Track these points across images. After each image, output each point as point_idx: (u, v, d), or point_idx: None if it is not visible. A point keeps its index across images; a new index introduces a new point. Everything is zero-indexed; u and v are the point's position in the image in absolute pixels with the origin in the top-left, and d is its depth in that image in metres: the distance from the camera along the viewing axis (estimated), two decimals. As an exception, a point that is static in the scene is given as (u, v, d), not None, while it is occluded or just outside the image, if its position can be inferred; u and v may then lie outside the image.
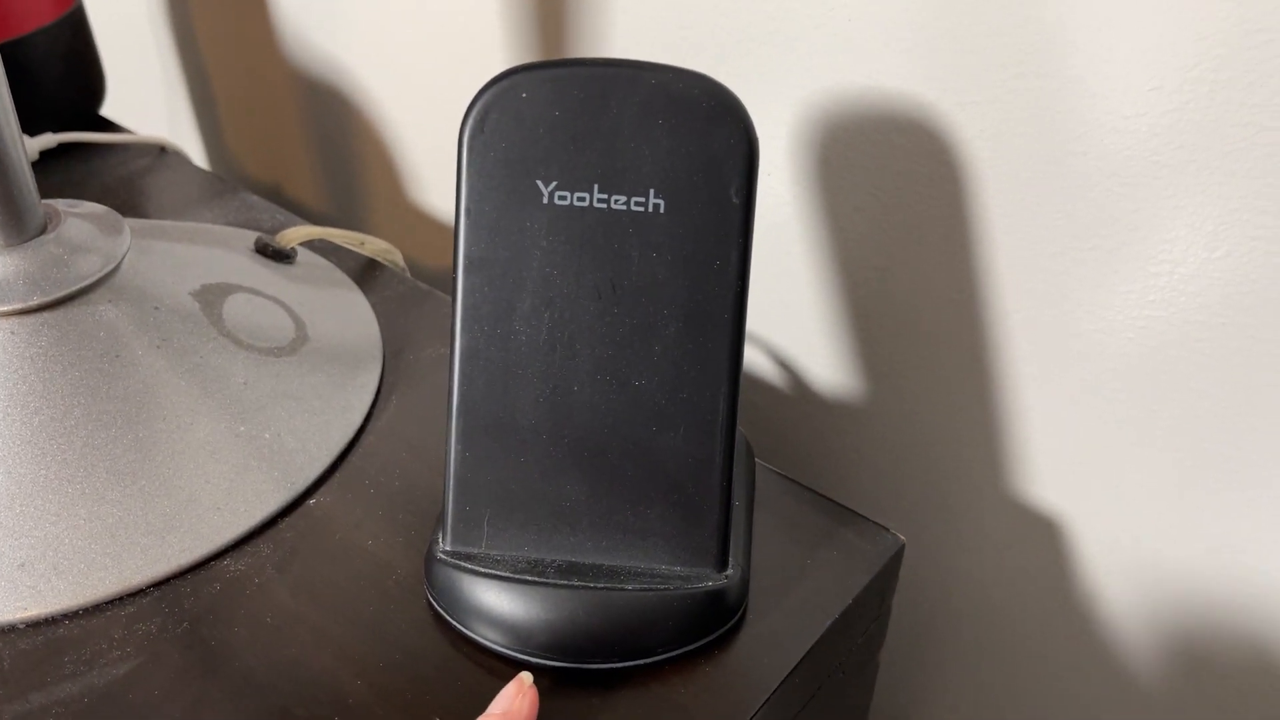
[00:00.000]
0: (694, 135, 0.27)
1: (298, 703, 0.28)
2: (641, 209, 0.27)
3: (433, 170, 0.54)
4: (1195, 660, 0.38)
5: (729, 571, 0.29)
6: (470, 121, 0.27)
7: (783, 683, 0.29)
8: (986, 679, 0.44)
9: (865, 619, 0.33)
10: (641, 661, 0.29)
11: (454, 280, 0.28)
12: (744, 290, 0.28)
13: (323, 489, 0.35)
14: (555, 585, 0.29)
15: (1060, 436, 0.37)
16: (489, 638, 0.29)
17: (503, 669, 0.29)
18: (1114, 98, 0.30)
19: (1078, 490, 0.38)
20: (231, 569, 0.32)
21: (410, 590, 0.31)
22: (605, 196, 0.27)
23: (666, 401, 0.29)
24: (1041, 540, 0.39)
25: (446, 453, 0.29)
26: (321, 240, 0.45)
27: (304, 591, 0.31)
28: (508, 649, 0.29)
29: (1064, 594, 0.40)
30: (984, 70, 0.32)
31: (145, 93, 0.70)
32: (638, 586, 0.29)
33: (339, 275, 0.44)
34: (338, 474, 0.35)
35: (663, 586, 0.29)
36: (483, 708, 0.27)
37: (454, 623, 0.30)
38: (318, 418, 0.36)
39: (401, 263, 0.46)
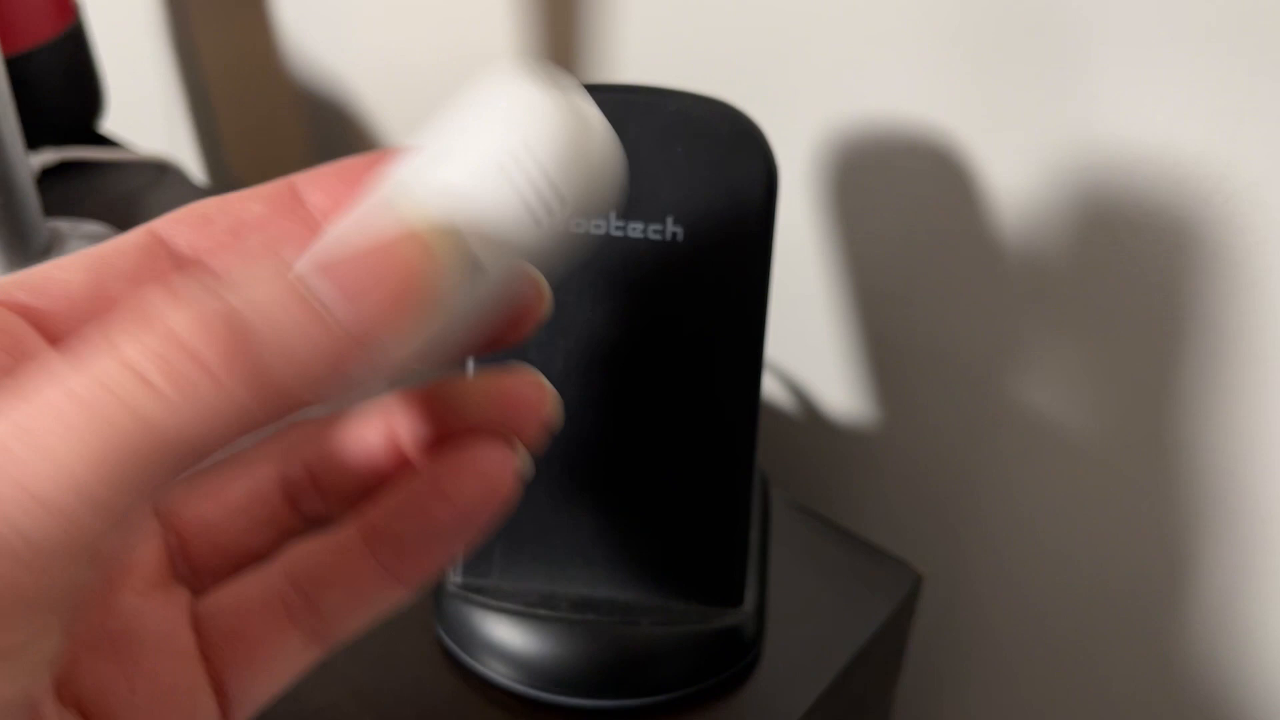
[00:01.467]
0: (714, 163, 0.26)
1: (300, 737, 0.28)
2: (659, 237, 0.27)
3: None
4: (1216, 698, 0.37)
5: (744, 607, 0.29)
6: None
7: (798, 723, 0.28)
8: (1003, 714, 0.44)
9: (882, 654, 0.32)
10: (655, 699, 0.28)
11: None
12: (763, 321, 0.27)
13: (327, 517, 0.34)
14: (568, 620, 0.28)
15: (1079, 466, 0.36)
16: (500, 673, 0.28)
17: (515, 705, 0.28)
18: (1140, 125, 0.30)
19: (1095, 525, 0.37)
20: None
21: (417, 622, 0.30)
22: (622, 224, 0.27)
23: (683, 433, 0.28)
24: (1061, 574, 0.38)
25: None
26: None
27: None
28: (520, 685, 0.28)
29: (1083, 629, 0.39)
30: (1006, 94, 0.32)
31: (146, 108, 0.70)
32: (652, 622, 0.28)
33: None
34: (342, 502, 0.34)
35: (678, 622, 0.28)
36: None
37: (464, 657, 0.29)
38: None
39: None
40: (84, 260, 0.16)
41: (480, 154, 0.14)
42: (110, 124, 0.57)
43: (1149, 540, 0.36)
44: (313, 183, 0.17)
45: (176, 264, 0.16)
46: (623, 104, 0.26)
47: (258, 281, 0.13)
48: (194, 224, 0.16)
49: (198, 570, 0.18)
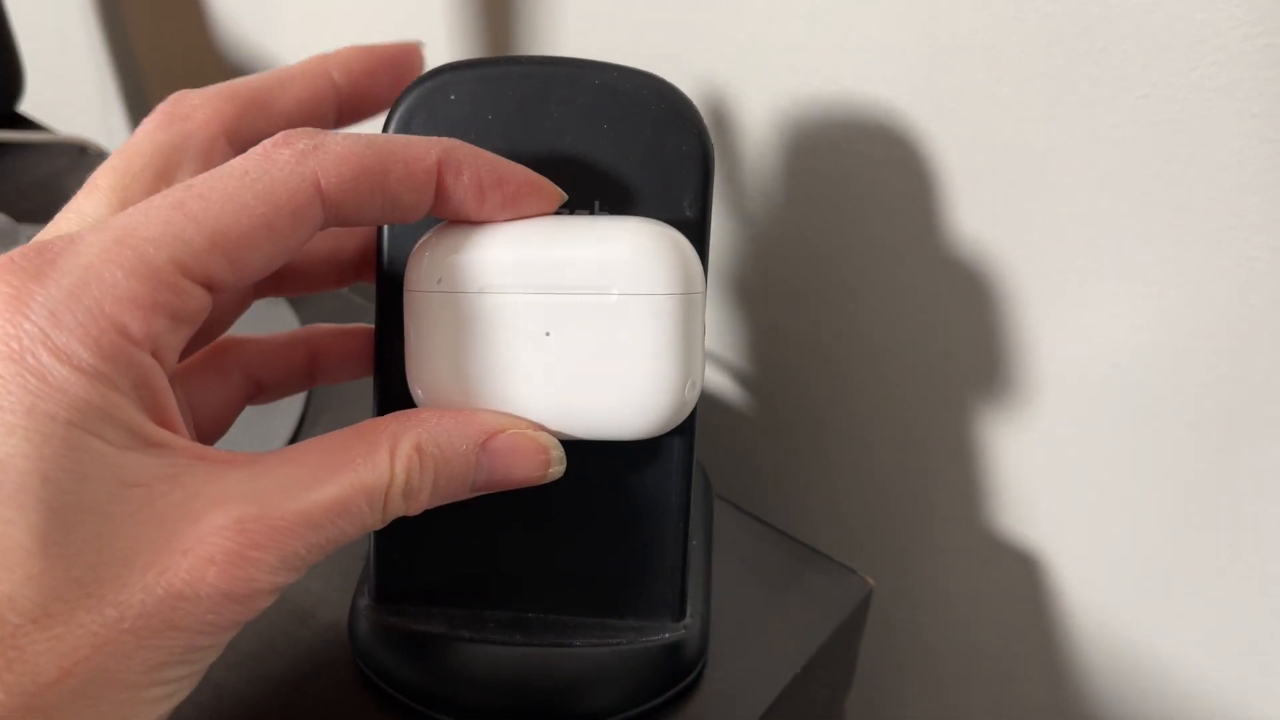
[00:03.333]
0: (642, 141, 0.24)
1: (197, 773, 0.25)
2: None
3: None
4: (1173, 701, 0.36)
5: (687, 621, 0.27)
6: (392, 126, 0.24)
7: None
8: (957, 711, 0.42)
9: (830, 668, 0.31)
10: None
11: (377, 302, 0.25)
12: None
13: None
14: (496, 643, 0.26)
15: (1038, 470, 0.35)
16: (422, 704, 0.26)
17: None
18: (1101, 104, 0.28)
19: (1055, 528, 0.35)
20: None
21: (331, 643, 0.28)
22: None
23: (619, 446, 0.26)
24: (1017, 579, 0.37)
25: None
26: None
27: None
28: (445, 716, 0.26)
29: (1039, 635, 0.37)
30: (962, 75, 0.30)
31: (73, 88, 0.67)
32: (587, 642, 0.26)
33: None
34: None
35: (615, 641, 0.26)
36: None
37: (383, 686, 0.27)
38: (233, 445, 0.33)
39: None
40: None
41: None
42: (31, 104, 0.54)
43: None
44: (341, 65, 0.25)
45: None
46: (542, 77, 0.24)
47: (458, 441, 0.22)
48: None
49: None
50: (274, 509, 0.19)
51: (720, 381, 0.41)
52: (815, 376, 0.38)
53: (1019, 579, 0.37)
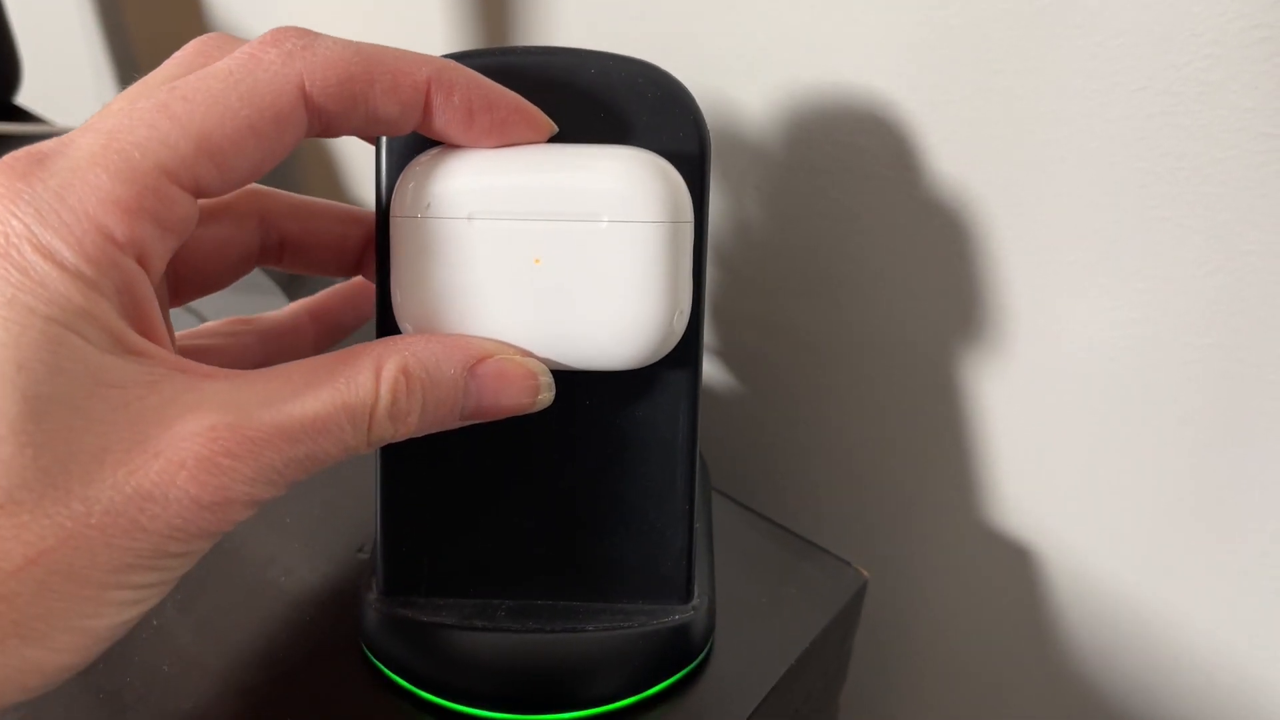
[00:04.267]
0: (639, 128, 0.24)
1: (194, 764, 0.25)
2: None
3: (368, 165, 0.51)
4: (1166, 695, 0.36)
5: (695, 602, 0.27)
6: None
7: (735, 737, 0.26)
8: (952, 715, 0.42)
9: (825, 660, 0.31)
10: (604, 709, 0.26)
11: (376, 234, 0.25)
12: (700, 302, 0.25)
13: (234, 518, 0.32)
14: (509, 631, 0.26)
15: (1033, 462, 0.35)
16: (437, 694, 0.26)
17: None
18: (1097, 98, 0.28)
19: (1050, 520, 0.35)
20: (127, 609, 0.29)
21: (331, 634, 0.28)
22: None
23: (621, 424, 0.26)
24: (1012, 571, 0.37)
25: (376, 485, 0.26)
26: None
27: (209, 635, 0.28)
28: (459, 704, 0.26)
29: (1034, 627, 0.38)
30: (957, 67, 0.30)
31: (70, 79, 0.66)
32: (599, 627, 0.26)
33: (258, 275, 0.41)
34: (252, 501, 0.32)
35: (626, 624, 0.26)
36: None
37: (394, 677, 0.27)
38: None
39: (370, 308, 0.43)
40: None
41: None
42: (28, 96, 0.54)
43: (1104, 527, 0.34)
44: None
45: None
46: (539, 67, 0.24)
47: (446, 365, 0.21)
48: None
49: (180, 290, 0.25)
50: (250, 419, 0.18)
51: (715, 375, 0.41)
52: (808, 370, 0.38)
53: (1013, 571, 0.37)
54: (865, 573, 0.31)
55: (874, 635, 0.41)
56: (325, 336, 0.28)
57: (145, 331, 0.19)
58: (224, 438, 0.18)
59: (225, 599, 0.29)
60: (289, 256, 0.27)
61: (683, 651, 0.27)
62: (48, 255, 0.18)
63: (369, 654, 0.27)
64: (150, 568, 0.18)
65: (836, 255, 0.35)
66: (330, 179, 0.54)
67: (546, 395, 0.23)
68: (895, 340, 0.36)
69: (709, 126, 0.25)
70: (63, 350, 0.17)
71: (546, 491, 0.26)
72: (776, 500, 0.42)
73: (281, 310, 0.28)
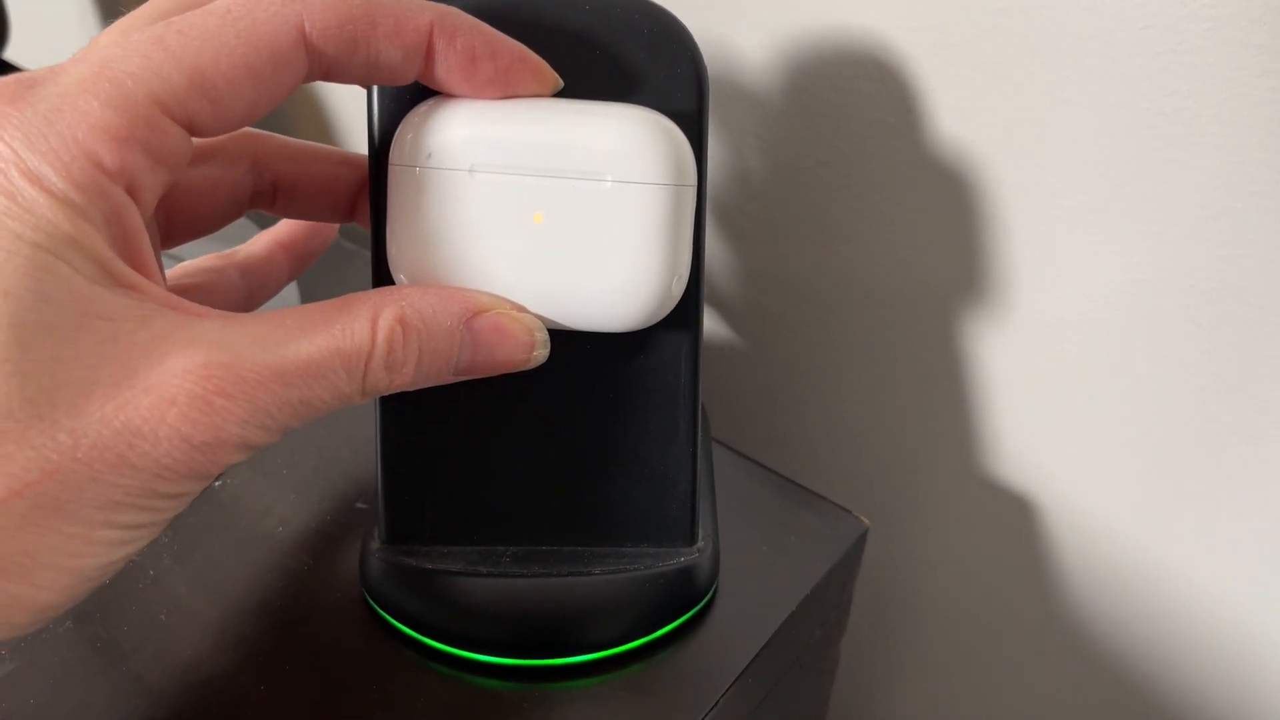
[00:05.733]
0: (636, 68, 0.24)
1: (193, 712, 0.25)
2: None
3: (360, 119, 0.50)
4: (1166, 646, 0.36)
5: (699, 544, 0.27)
6: None
7: (736, 680, 0.26)
8: (951, 666, 0.42)
9: (825, 608, 0.31)
10: (609, 653, 0.26)
11: (370, 183, 0.25)
12: (700, 243, 0.25)
13: (229, 470, 0.31)
14: (514, 576, 0.26)
15: (1033, 413, 0.34)
16: (445, 642, 0.26)
17: (460, 673, 0.26)
18: (1101, 37, 0.27)
19: (1050, 470, 0.35)
20: (123, 560, 0.29)
21: (331, 584, 0.28)
22: None
23: (623, 368, 0.25)
24: (1011, 523, 0.37)
25: (376, 432, 0.26)
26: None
27: (204, 585, 0.28)
28: (464, 650, 0.26)
29: (1034, 578, 0.37)
30: (959, 7, 0.29)
31: (57, 33, 0.65)
32: (605, 570, 0.26)
33: (255, 233, 0.40)
34: (247, 452, 0.32)
35: (631, 567, 0.26)
36: (429, 718, 0.24)
37: (397, 624, 0.27)
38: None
39: (334, 231, 0.42)
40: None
41: None
42: (16, 51, 0.54)
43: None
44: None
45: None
46: (532, 6, 0.23)
47: (442, 317, 0.21)
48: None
49: (172, 231, 0.25)
50: (244, 359, 0.18)
51: (714, 327, 0.41)
52: (808, 321, 0.38)
53: (1012, 522, 0.37)
54: (865, 520, 0.30)
55: (873, 586, 0.41)
56: (296, 265, 0.28)
57: (136, 265, 0.19)
58: (217, 376, 0.18)
59: (222, 550, 0.29)
60: (281, 200, 0.26)
61: (688, 594, 0.27)
62: (35, 180, 0.17)
63: (372, 603, 0.27)
64: (139, 507, 0.18)
65: (836, 205, 0.35)
66: (319, 134, 0.53)
67: (541, 352, 0.23)
68: (895, 290, 0.35)
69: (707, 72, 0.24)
70: (50, 278, 0.17)
71: (549, 437, 0.26)
72: (776, 451, 0.42)
73: (256, 243, 0.28)
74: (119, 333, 0.18)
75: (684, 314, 0.25)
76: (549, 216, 0.22)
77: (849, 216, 0.35)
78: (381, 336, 0.20)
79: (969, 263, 0.33)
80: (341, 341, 0.20)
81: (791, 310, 0.39)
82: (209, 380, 0.18)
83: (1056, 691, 0.39)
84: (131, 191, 0.19)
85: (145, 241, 0.19)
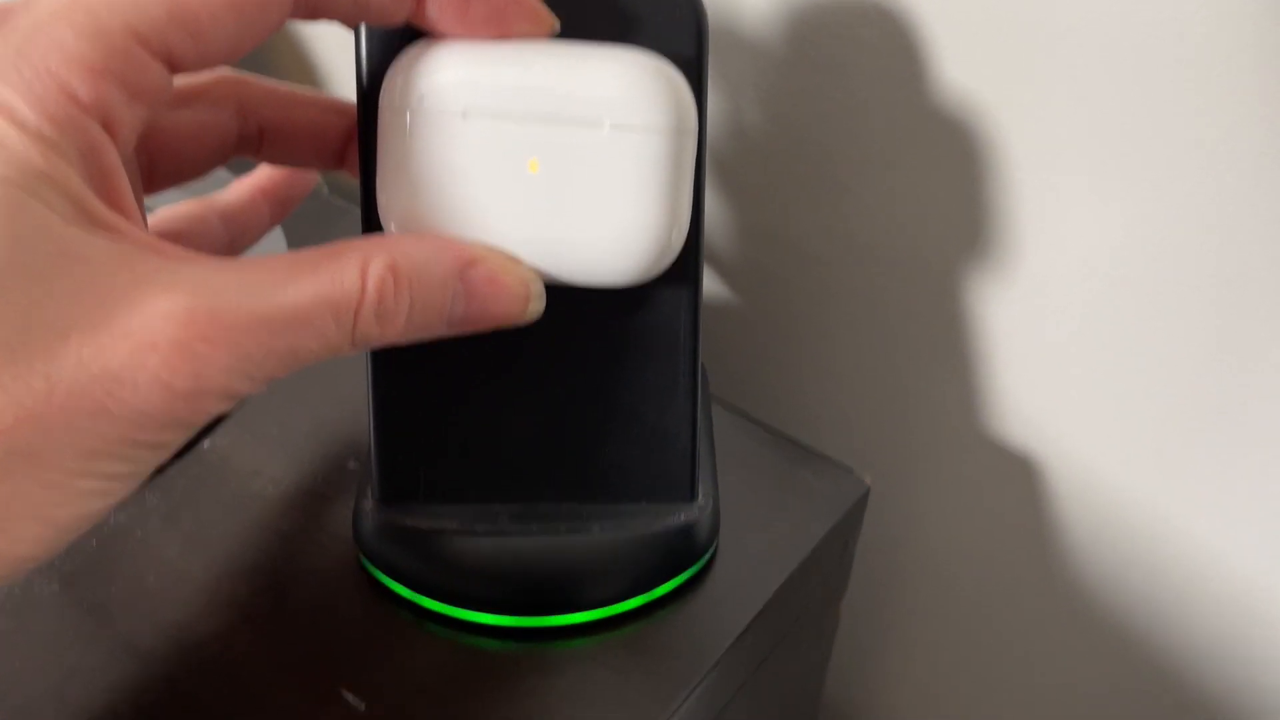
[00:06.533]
0: (634, 10, 0.23)
1: (185, 674, 0.25)
2: None
3: (346, 65, 0.49)
4: (1170, 608, 0.35)
5: (700, 501, 0.26)
6: None
7: (736, 640, 0.26)
8: (951, 629, 0.42)
9: (826, 568, 0.30)
10: (608, 611, 0.26)
11: (360, 128, 0.24)
12: (700, 194, 0.24)
13: (218, 429, 0.31)
14: (511, 535, 0.25)
15: (1037, 371, 0.34)
16: (442, 601, 0.26)
17: (456, 633, 0.26)
18: None
19: (1053, 429, 0.35)
20: (111, 521, 0.28)
21: (324, 545, 0.28)
22: None
23: (622, 320, 0.25)
24: (1014, 482, 0.36)
25: (368, 388, 0.25)
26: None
27: (195, 547, 0.28)
28: (462, 610, 0.26)
29: (1036, 539, 0.37)
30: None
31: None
32: (604, 527, 0.26)
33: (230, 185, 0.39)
34: (236, 412, 0.31)
35: (631, 524, 0.26)
36: (425, 678, 0.24)
37: (393, 585, 0.26)
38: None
39: (316, 175, 0.42)
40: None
41: None
42: None
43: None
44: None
45: None
46: None
47: (435, 267, 0.20)
48: None
49: (154, 176, 0.24)
50: (229, 304, 0.17)
51: (712, 286, 0.40)
52: (807, 278, 0.38)
53: (1015, 481, 0.36)
54: (867, 479, 0.30)
55: (872, 547, 0.41)
56: (278, 211, 0.27)
57: (114, 205, 0.18)
58: (200, 322, 0.17)
59: (211, 511, 0.28)
60: (268, 146, 0.26)
61: (688, 551, 0.26)
62: (6, 114, 0.16)
63: (366, 563, 0.27)
64: (118, 456, 0.17)
65: (837, 158, 0.34)
66: (304, 79, 0.52)
67: (536, 305, 0.22)
68: (897, 246, 0.35)
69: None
70: (23, 216, 0.16)
71: (546, 393, 0.25)
72: (775, 410, 0.41)
73: (235, 189, 0.27)
74: (96, 275, 0.17)
75: (683, 267, 0.24)
76: (544, 164, 0.22)
77: (850, 171, 0.34)
78: (372, 285, 0.19)
79: (973, 217, 0.32)
80: (330, 289, 0.19)
81: (790, 268, 0.38)
82: (192, 326, 0.17)
83: (1059, 654, 0.39)
84: (108, 127, 0.18)
85: (123, 180, 0.18)
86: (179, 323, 0.17)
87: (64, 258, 0.17)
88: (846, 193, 0.35)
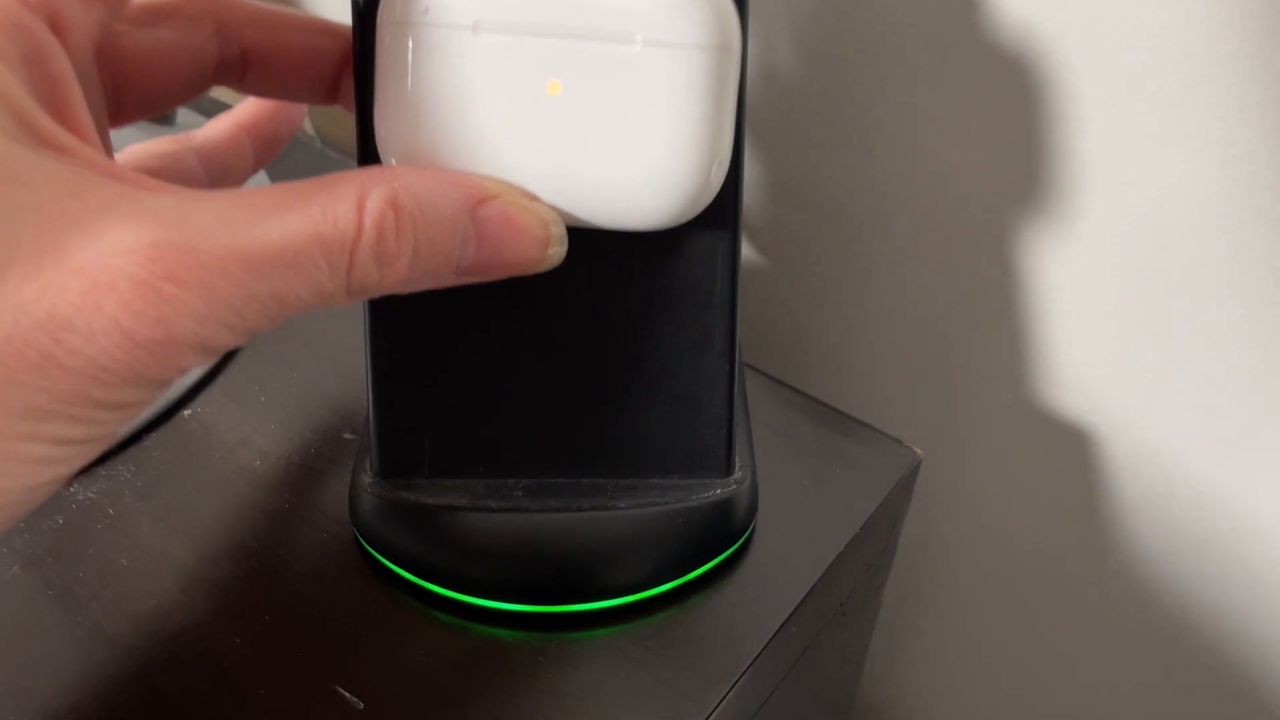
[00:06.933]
0: None
1: (158, 666, 0.22)
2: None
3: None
4: (1235, 594, 0.33)
5: (737, 475, 0.24)
6: None
7: (779, 631, 0.23)
8: (994, 616, 0.39)
9: (873, 548, 0.28)
10: (634, 598, 0.23)
11: (360, 119, 0.21)
12: (741, 125, 0.21)
13: (200, 396, 0.28)
14: (527, 511, 0.23)
15: (1097, 334, 0.31)
16: (445, 584, 0.23)
17: (459, 625, 0.23)
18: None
19: (1110, 398, 0.32)
20: (79, 497, 0.25)
21: (318, 523, 0.25)
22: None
23: (651, 269, 0.22)
24: (1066, 455, 0.34)
25: (366, 348, 0.23)
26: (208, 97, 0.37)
27: (172, 525, 0.25)
28: (470, 596, 0.23)
29: (1090, 516, 0.35)
30: None
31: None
32: (631, 504, 0.23)
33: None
34: (220, 377, 0.29)
35: (661, 501, 0.23)
36: (431, 672, 0.21)
37: (394, 567, 0.24)
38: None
39: (309, 128, 0.39)
40: None
41: None
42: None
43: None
44: None
45: None
46: None
47: (442, 203, 0.17)
48: None
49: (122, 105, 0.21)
50: (202, 239, 0.15)
51: (746, 251, 0.38)
52: (840, 235, 0.35)
53: (1070, 453, 0.34)
54: (919, 451, 0.27)
55: (910, 524, 0.38)
56: (263, 151, 0.25)
57: (65, 122, 0.15)
58: (168, 259, 0.14)
59: (192, 487, 0.26)
60: (252, 73, 0.23)
61: (724, 531, 0.24)
62: None
63: (364, 544, 0.24)
64: (71, 418, 0.14)
65: (878, 100, 0.31)
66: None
67: (557, 250, 0.19)
68: (943, 197, 0.32)
69: None
70: None
71: (565, 352, 0.23)
72: (805, 380, 0.39)
73: (215, 125, 0.24)
74: (41, 201, 0.14)
75: (721, 209, 0.21)
76: (567, 86, 0.19)
77: (890, 115, 0.31)
78: (370, 222, 0.16)
79: (1029, 165, 0.29)
80: (322, 225, 0.16)
81: (823, 226, 0.35)
82: (158, 263, 0.14)
83: (1111, 642, 0.37)
84: (57, 29, 0.15)
85: (76, 93, 0.16)
86: (142, 259, 0.14)
87: (2, 180, 0.14)
88: (885, 140, 0.32)
